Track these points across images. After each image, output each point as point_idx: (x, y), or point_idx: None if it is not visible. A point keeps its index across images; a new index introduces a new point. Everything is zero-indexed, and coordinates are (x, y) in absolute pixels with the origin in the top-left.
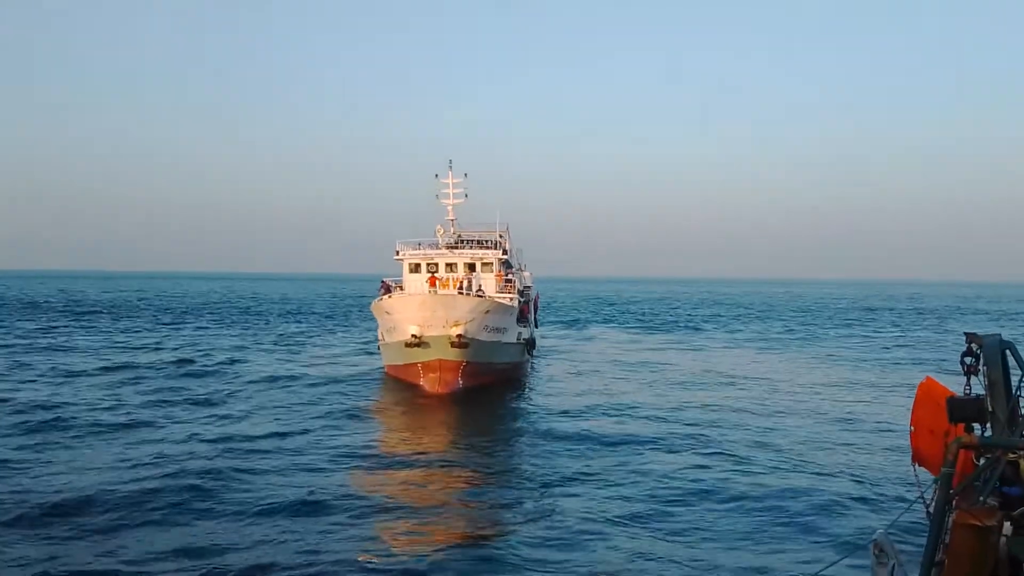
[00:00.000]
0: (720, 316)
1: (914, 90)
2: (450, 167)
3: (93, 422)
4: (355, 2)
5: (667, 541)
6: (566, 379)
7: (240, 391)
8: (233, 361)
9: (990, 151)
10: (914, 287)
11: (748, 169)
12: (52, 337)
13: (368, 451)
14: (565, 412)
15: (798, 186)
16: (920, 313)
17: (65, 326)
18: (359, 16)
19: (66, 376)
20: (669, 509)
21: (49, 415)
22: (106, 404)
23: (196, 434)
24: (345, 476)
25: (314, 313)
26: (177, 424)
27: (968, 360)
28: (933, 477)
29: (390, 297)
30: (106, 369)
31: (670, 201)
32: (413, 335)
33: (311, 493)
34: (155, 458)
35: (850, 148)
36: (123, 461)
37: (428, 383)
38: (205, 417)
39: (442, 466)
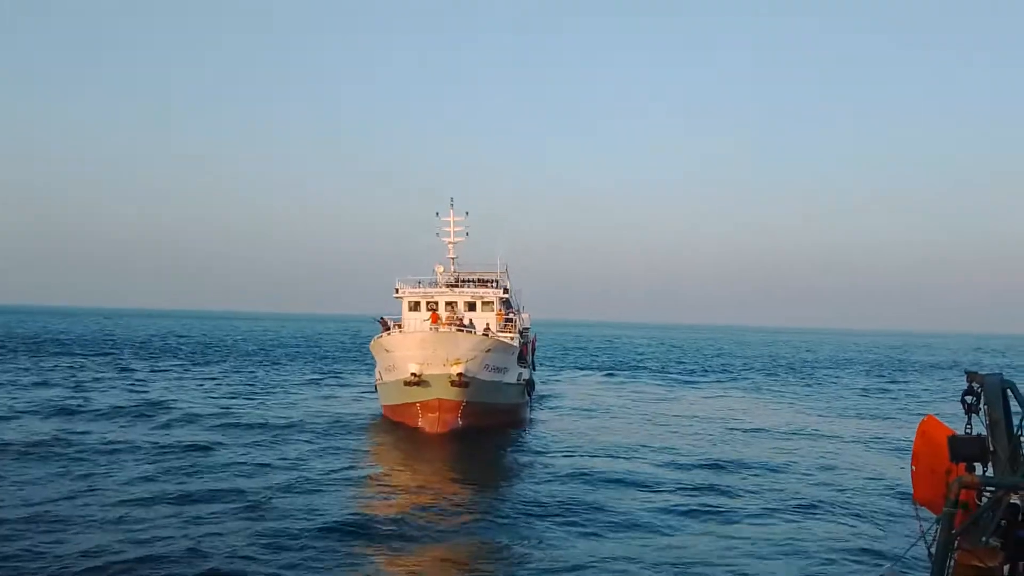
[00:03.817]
0: (722, 365)
1: None
2: (451, 205)
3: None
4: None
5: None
6: (566, 421)
7: (231, 437)
8: (225, 408)
9: None
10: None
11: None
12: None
13: (362, 489)
14: (566, 455)
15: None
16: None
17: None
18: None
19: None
20: (673, 549)
21: None
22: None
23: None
24: (339, 516)
25: (305, 354)
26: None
27: (969, 399)
28: (935, 516)
29: (389, 334)
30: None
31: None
32: (413, 373)
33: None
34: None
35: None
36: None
37: (427, 423)
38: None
39: (438, 505)
